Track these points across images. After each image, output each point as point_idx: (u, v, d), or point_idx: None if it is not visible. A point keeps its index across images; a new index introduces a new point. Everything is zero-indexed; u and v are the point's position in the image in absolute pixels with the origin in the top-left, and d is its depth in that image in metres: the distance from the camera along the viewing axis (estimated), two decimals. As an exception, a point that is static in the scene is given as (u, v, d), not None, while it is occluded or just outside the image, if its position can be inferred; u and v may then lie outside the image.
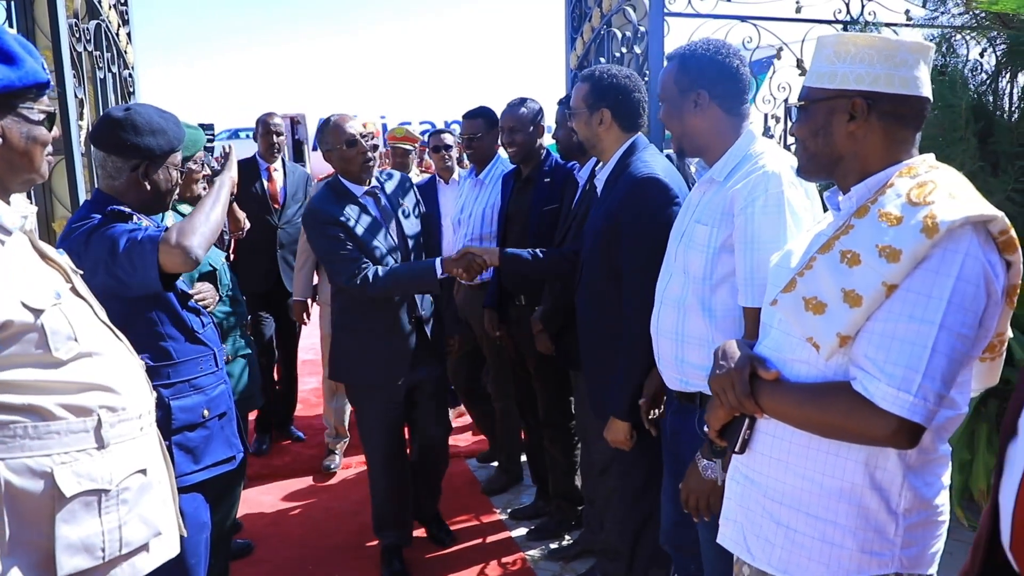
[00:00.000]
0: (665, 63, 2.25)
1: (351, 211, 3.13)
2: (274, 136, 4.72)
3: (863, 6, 4.43)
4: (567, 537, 3.73)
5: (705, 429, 1.68)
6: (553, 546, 3.68)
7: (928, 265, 1.32)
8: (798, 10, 4.37)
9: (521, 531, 3.85)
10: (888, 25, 4.47)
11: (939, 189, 1.36)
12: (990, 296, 1.35)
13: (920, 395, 1.30)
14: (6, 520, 1.43)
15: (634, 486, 2.79)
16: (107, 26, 3.76)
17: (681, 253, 2.12)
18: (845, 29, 4.45)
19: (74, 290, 1.61)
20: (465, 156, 5.01)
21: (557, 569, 3.50)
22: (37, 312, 1.46)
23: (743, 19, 4.21)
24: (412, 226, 3.33)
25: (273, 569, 3.49)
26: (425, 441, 3.55)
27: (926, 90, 1.48)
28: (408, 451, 3.56)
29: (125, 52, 4.09)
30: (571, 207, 3.28)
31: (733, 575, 1.73)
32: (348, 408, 4.58)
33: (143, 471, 1.64)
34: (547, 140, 3.78)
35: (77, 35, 3.34)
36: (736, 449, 1.58)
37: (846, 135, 1.49)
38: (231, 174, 2.41)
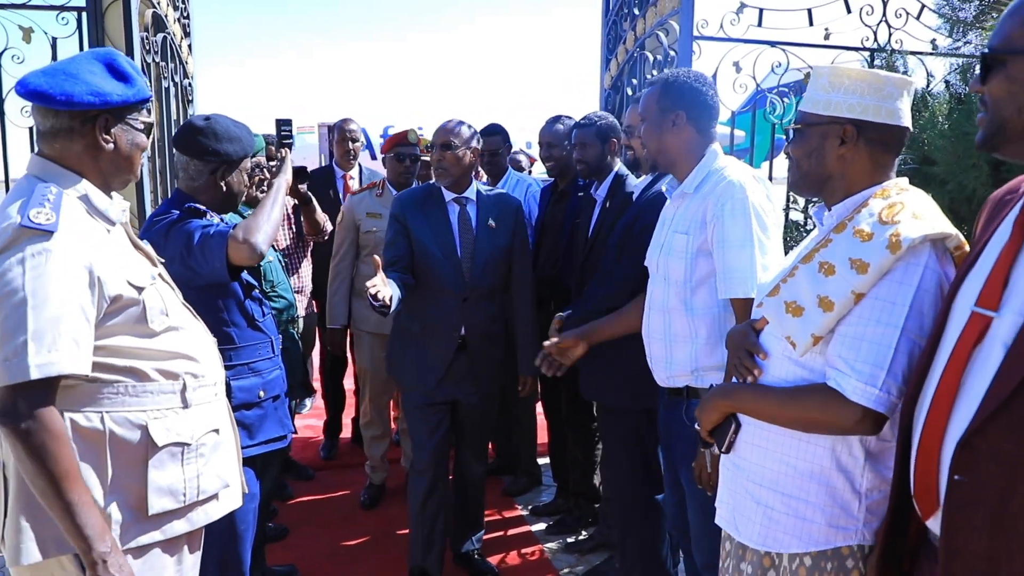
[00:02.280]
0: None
1: (429, 212, 3.17)
2: (350, 143, 4.73)
3: (890, 34, 4.56)
4: (584, 532, 3.91)
5: (696, 426, 1.90)
6: (570, 540, 3.87)
7: (893, 276, 1.52)
8: (827, 37, 4.52)
9: (541, 526, 4.05)
10: (913, 53, 4.61)
11: (906, 210, 1.56)
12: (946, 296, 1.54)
13: (884, 389, 1.51)
14: (109, 463, 1.67)
15: (627, 478, 2.99)
16: (171, 39, 4.04)
17: (662, 262, 2.37)
18: (872, 56, 4.59)
19: (160, 275, 1.86)
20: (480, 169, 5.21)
21: (573, 561, 3.69)
22: (139, 289, 1.71)
23: (772, 44, 4.38)
24: (492, 243, 3.22)
25: (305, 554, 3.71)
26: (462, 470, 3.50)
27: (907, 121, 1.67)
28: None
29: (186, 63, 4.38)
30: (592, 223, 3.41)
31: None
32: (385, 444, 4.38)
33: (216, 431, 1.90)
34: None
35: (147, 48, 3.62)
36: (723, 449, 1.79)
37: (836, 157, 1.68)
38: (286, 177, 2.63)
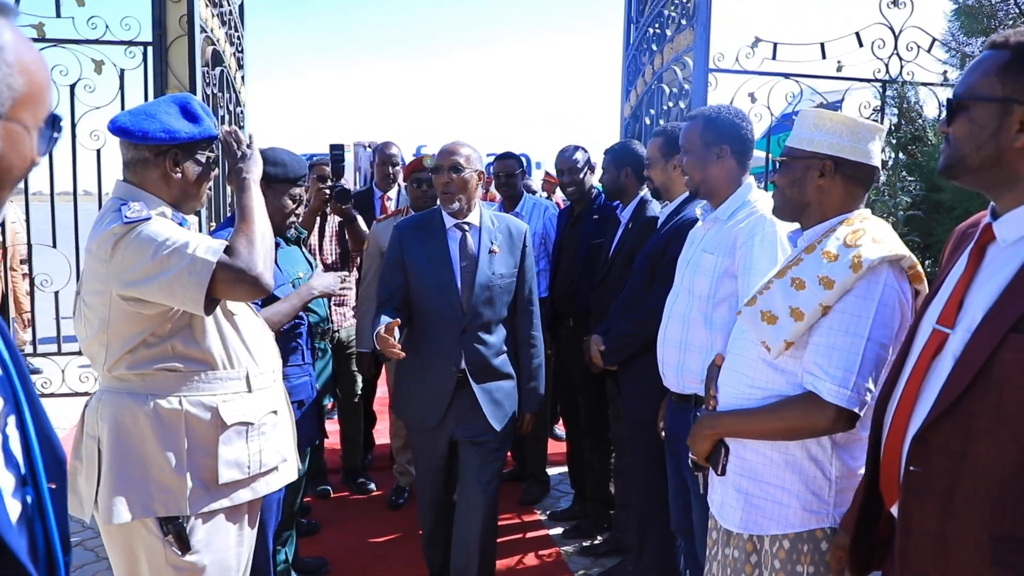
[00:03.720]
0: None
1: (427, 239, 3.05)
2: (390, 167, 4.83)
3: (901, 67, 4.76)
4: (599, 537, 4.13)
5: (690, 456, 2.13)
6: (586, 544, 4.09)
7: (856, 292, 1.78)
8: (839, 69, 4.74)
9: (558, 530, 4.27)
10: (924, 85, 4.81)
11: (867, 235, 1.82)
12: (903, 315, 1.80)
13: (854, 390, 1.76)
14: (186, 440, 1.99)
15: (641, 482, 3.21)
16: (227, 72, 4.42)
17: (688, 277, 2.61)
18: (884, 88, 4.80)
19: None
20: (494, 191, 5.40)
21: (588, 563, 3.91)
22: None
23: (787, 76, 4.62)
24: (494, 269, 3.06)
25: (334, 547, 3.97)
26: (460, 516, 3.16)
27: (876, 161, 1.93)
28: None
29: (239, 92, 4.76)
30: (614, 243, 3.69)
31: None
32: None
33: (275, 412, 2.22)
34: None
35: (207, 81, 3.99)
36: (720, 472, 2.01)
37: (815, 188, 1.93)
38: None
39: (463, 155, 2.99)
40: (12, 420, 1.01)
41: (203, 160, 2.09)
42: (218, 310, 2.04)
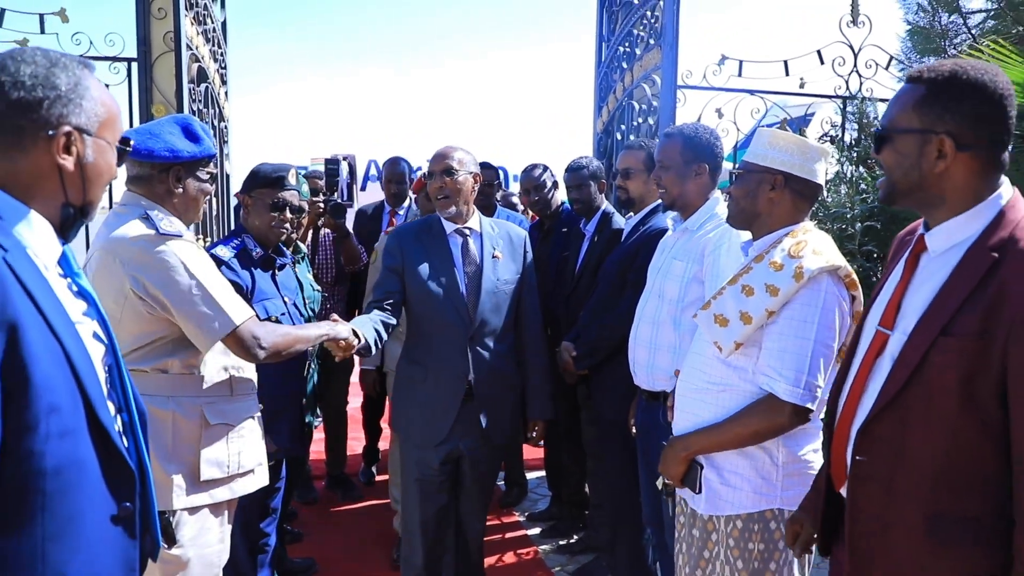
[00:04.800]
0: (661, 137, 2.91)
1: (429, 246, 2.97)
2: (395, 184, 4.73)
3: (861, 83, 4.99)
4: (575, 536, 4.28)
5: (663, 481, 2.26)
6: (562, 543, 4.24)
7: (801, 299, 1.97)
8: (802, 85, 4.95)
9: (536, 530, 4.42)
10: (882, 100, 5.03)
11: (808, 247, 2.01)
12: (843, 318, 1.99)
13: (806, 388, 1.95)
14: (172, 437, 2.13)
15: (615, 480, 3.36)
16: (212, 88, 4.53)
17: (659, 282, 2.78)
18: (844, 104, 5.03)
19: None
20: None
21: (564, 560, 4.05)
22: None
23: (752, 92, 4.82)
24: (499, 275, 3.00)
25: (321, 549, 4.07)
26: (461, 527, 3.15)
27: (821, 180, 2.14)
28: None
29: (223, 108, 4.87)
30: (580, 256, 3.85)
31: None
32: None
33: (254, 417, 2.36)
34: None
35: (193, 97, 4.11)
36: (697, 490, 2.15)
37: (767, 200, 2.12)
38: (322, 333, 2.55)
39: (456, 158, 2.94)
40: (110, 361, 1.38)
41: (203, 177, 2.23)
42: None
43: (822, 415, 2.11)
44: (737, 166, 2.25)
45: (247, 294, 2.89)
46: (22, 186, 1.27)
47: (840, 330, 1.99)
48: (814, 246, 2.02)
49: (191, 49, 4.17)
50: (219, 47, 4.87)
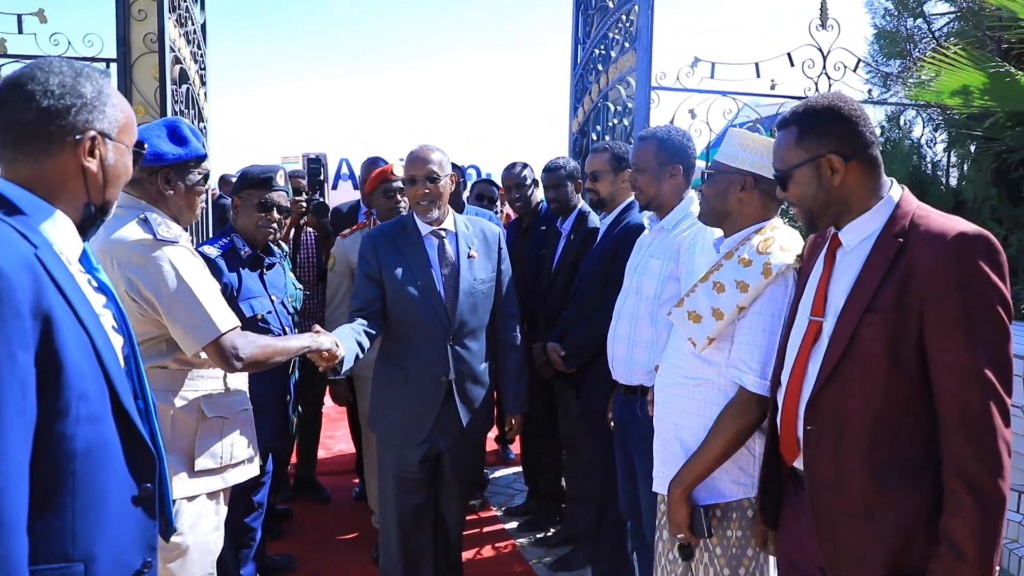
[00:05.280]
0: (636, 138, 2.99)
1: (405, 248, 2.97)
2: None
3: (830, 85, 5.10)
4: (552, 529, 4.37)
5: (677, 537, 2.22)
6: (539, 536, 4.33)
7: (769, 295, 2.07)
8: (772, 87, 5.05)
9: (513, 524, 4.50)
10: (851, 102, 5.15)
11: (776, 243, 2.11)
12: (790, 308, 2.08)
13: (769, 379, 2.01)
14: (171, 429, 2.18)
15: (600, 471, 3.44)
16: (192, 89, 4.56)
17: (636, 279, 2.86)
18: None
19: None
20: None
21: (541, 553, 4.14)
22: None
23: (724, 94, 4.92)
24: (476, 275, 3.04)
25: (298, 545, 4.15)
26: (442, 518, 3.21)
27: None
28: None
29: (202, 108, 4.90)
30: (556, 254, 3.95)
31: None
32: None
33: (247, 410, 2.44)
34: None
35: (175, 98, 4.14)
36: (709, 535, 2.17)
37: (737, 199, 2.22)
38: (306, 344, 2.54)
39: (436, 162, 2.93)
40: (128, 352, 1.48)
41: (194, 179, 2.29)
42: None
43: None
44: (708, 166, 2.34)
45: (233, 293, 2.95)
46: (48, 187, 1.37)
47: None
48: (781, 242, 2.12)
49: (174, 51, 4.20)
50: (199, 48, 4.90)
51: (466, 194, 5.38)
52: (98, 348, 1.34)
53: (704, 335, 2.14)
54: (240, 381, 2.44)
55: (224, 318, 2.16)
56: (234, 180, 3.44)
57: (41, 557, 1.25)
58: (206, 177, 2.34)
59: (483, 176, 10.48)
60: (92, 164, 1.40)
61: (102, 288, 1.46)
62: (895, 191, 1.76)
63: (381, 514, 3.19)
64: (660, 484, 2.35)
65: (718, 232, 2.54)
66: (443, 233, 3.03)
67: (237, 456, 2.38)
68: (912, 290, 1.61)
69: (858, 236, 1.75)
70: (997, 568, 1.58)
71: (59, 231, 1.37)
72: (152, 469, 1.46)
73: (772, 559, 2.19)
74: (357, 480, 4.91)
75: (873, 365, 1.65)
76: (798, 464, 1.83)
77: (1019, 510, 3.82)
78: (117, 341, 1.45)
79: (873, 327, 1.65)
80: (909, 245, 1.64)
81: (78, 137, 1.37)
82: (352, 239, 3.86)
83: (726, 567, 2.17)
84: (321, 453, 5.08)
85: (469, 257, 3.03)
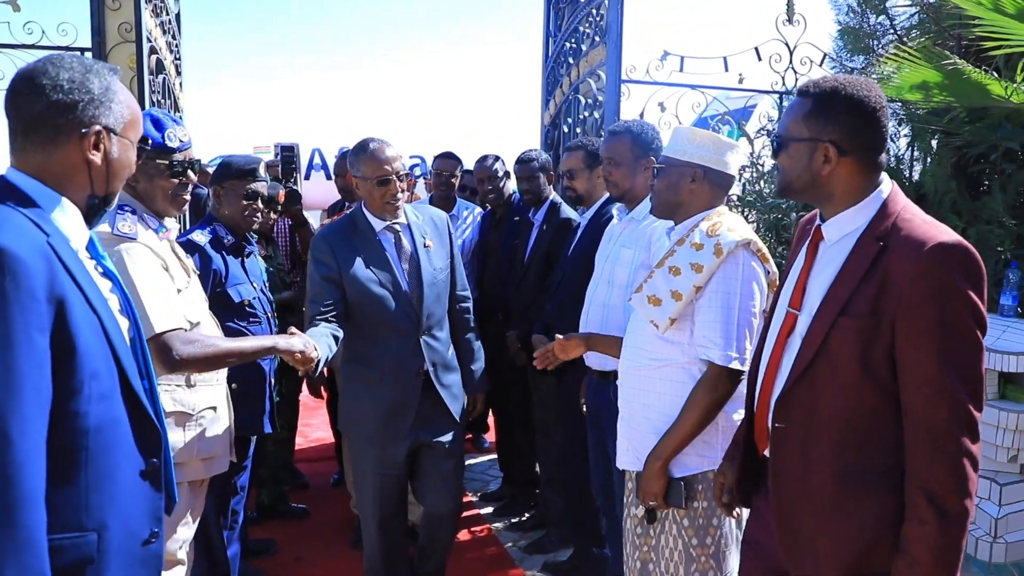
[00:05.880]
0: (606, 132, 3.07)
1: (361, 247, 2.90)
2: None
3: (796, 79, 5.22)
4: (527, 514, 4.47)
5: (641, 508, 2.35)
6: (514, 520, 4.43)
7: (723, 273, 2.20)
8: (740, 81, 5.16)
9: (489, 509, 4.60)
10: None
11: (723, 226, 2.25)
12: (760, 286, 2.23)
13: (737, 351, 2.17)
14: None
15: (578, 455, 3.53)
16: (168, 79, 4.58)
17: (608, 268, 2.95)
18: (780, 99, 5.26)
19: (190, 282, 2.41)
20: (425, 191, 5.46)
21: (516, 537, 4.24)
22: (178, 291, 2.26)
23: (693, 87, 5.02)
24: (435, 264, 3.01)
25: (279, 529, 4.20)
26: (431, 511, 3.14)
27: (733, 172, 2.39)
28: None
29: (178, 98, 4.92)
30: (529, 244, 4.05)
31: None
32: None
33: (214, 408, 2.45)
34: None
35: (153, 88, 4.15)
36: (684, 506, 2.29)
37: (688, 190, 2.36)
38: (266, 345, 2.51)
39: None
40: (133, 334, 1.55)
41: (158, 169, 2.27)
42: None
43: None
44: (658, 161, 2.45)
45: (222, 279, 3.01)
46: (55, 177, 1.43)
47: (759, 296, 2.23)
48: (728, 224, 2.27)
49: (150, 41, 4.21)
50: (174, 38, 4.91)
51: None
52: (107, 330, 1.41)
53: (666, 316, 2.26)
54: (209, 377, 2.42)
55: (163, 318, 2.12)
56: (211, 171, 3.48)
57: (58, 527, 1.33)
58: (176, 168, 2.30)
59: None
60: (96, 157, 1.46)
61: (107, 274, 1.53)
62: (885, 187, 1.73)
63: (361, 517, 3.16)
64: (625, 461, 2.46)
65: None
66: (397, 227, 2.96)
67: (204, 451, 2.41)
68: (887, 297, 1.60)
69: (841, 231, 1.74)
70: None
71: (68, 220, 1.43)
72: (158, 445, 1.53)
73: (734, 526, 2.32)
74: (338, 468, 4.88)
75: (844, 369, 1.65)
76: (768, 454, 1.87)
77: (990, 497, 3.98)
78: (123, 323, 1.51)
79: (846, 331, 1.64)
80: (889, 250, 1.62)
81: (84, 131, 1.43)
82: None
83: (694, 537, 2.28)
84: (299, 441, 5.12)
85: (425, 247, 2.99)
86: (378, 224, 2.93)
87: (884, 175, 1.76)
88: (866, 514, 1.65)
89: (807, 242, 1.86)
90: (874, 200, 1.72)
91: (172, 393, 2.31)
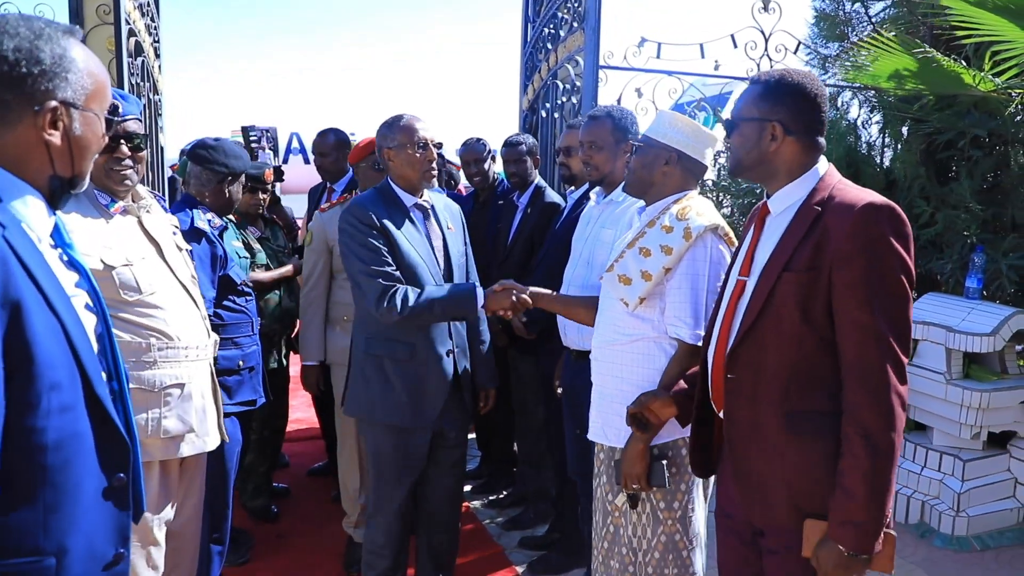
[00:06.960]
0: (586, 116, 3.13)
1: (398, 220, 2.82)
2: (326, 159, 4.44)
3: (771, 66, 5.29)
4: (504, 492, 4.55)
5: (622, 488, 2.38)
6: (492, 498, 4.51)
7: (692, 256, 2.30)
8: (716, 68, 5.22)
9: (467, 488, 4.65)
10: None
11: (692, 210, 2.35)
12: (725, 268, 2.27)
13: (703, 330, 2.24)
14: None
15: (549, 438, 3.63)
16: (147, 61, 4.58)
17: (586, 249, 3.03)
18: (756, 85, 5.33)
19: (163, 257, 2.35)
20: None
21: (494, 514, 4.33)
22: (110, 267, 2.18)
23: (670, 73, 5.07)
24: (458, 248, 3.03)
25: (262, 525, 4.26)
26: (432, 510, 3.08)
27: (708, 162, 2.49)
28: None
29: (156, 81, 4.91)
30: (513, 227, 4.12)
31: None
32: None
33: (182, 385, 2.33)
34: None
35: (132, 71, 4.15)
36: (667, 484, 2.36)
37: (661, 172, 2.45)
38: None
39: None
40: (100, 331, 1.41)
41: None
42: (123, 286, 2.20)
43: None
44: (639, 139, 2.52)
45: (225, 262, 3.06)
46: (10, 159, 1.27)
47: (727, 280, 2.31)
48: (697, 209, 2.37)
49: (129, 23, 4.21)
50: (153, 20, 4.90)
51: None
52: (70, 334, 1.26)
53: (635, 295, 2.36)
54: (176, 355, 2.31)
55: None
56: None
57: (11, 551, 1.21)
58: (119, 140, 2.21)
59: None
60: (55, 137, 1.30)
61: (73, 264, 1.39)
62: (821, 165, 1.92)
63: (376, 509, 2.97)
64: (597, 434, 2.56)
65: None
66: (426, 205, 2.94)
67: (170, 429, 2.31)
68: (824, 253, 1.76)
69: (783, 204, 1.92)
70: (890, 510, 1.76)
71: (28, 207, 1.29)
72: (125, 458, 1.38)
73: (701, 491, 2.44)
74: (324, 458, 4.79)
75: (787, 320, 1.81)
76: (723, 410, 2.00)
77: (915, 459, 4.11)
78: (90, 321, 1.37)
79: (788, 285, 1.80)
80: (826, 213, 1.80)
81: (37, 108, 1.26)
82: (332, 214, 3.53)
83: (662, 501, 2.39)
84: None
85: (449, 229, 3.00)
86: (408, 200, 2.89)
87: (822, 157, 1.95)
88: (811, 455, 1.81)
89: (754, 218, 2.04)
90: (812, 175, 1.91)
91: (131, 371, 2.14)
